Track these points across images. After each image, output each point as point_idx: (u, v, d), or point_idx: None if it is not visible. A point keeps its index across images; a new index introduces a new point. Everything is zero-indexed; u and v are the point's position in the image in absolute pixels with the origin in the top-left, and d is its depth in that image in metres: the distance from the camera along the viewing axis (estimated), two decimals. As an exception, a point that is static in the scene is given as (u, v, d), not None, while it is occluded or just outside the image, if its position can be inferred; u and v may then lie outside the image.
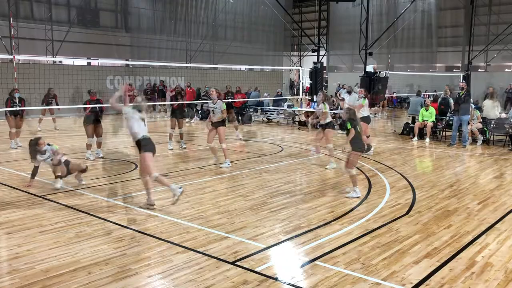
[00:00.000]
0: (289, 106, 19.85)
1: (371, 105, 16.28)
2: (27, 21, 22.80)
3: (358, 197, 7.58)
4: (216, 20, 31.51)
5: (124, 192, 7.81)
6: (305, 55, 38.44)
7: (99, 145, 11.00)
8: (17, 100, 12.39)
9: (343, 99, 17.91)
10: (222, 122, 9.99)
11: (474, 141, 14.13)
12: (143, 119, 6.83)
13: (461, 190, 8.29)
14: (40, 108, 16.05)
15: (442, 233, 5.94)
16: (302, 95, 26.58)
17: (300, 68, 27.23)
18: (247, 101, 20.39)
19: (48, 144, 8.14)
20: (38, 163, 8.04)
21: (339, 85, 18.00)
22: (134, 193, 7.76)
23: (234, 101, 16.76)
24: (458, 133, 13.42)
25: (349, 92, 16.68)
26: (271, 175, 9.43)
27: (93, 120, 10.76)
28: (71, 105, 19.17)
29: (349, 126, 7.63)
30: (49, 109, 16.24)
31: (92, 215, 6.51)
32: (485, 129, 13.87)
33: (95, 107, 10.85)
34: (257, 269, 4.74)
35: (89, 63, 25.51)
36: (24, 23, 22.42)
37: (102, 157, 10.92)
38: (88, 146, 10.81)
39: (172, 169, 9.85)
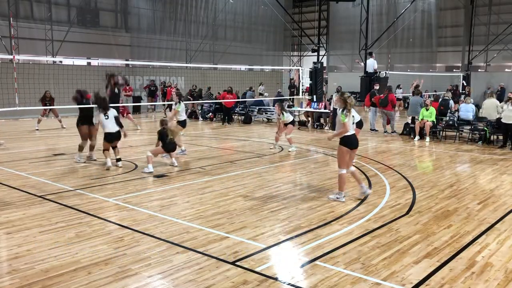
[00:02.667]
0: (289, 106, 19.86)
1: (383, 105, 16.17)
2: (27, 21, 22.81)
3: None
4: (216, 20, 31.51)
5: (124, 192, 7.81)
6: (305, 55, 38.45)
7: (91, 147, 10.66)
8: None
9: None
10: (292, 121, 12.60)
11: (473, 140, 14.15)
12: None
13: (461, 190, 8.29)
14: (40, 108, 16.23)
15: (442, 233, 5.94)
16: (302, 95, 26.59)
17: (300, 68, 27.21)
18: (239, 101, 20.47)
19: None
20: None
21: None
22: (134, 193, 7.76)
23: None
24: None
25: (338, 92, 16.71)
26: (271, 175, 9.43)
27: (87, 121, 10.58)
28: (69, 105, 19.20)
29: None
30: (52, 111, 16.75)
31: (92, 215, 6.51)
32: (485, 129, 13.87)
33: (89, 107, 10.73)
34: (257, 269, 4.74)
35: (89, 63, 25.51)
36: (24, 23, 22.43)
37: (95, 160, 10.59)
38: (81, 148, 10.48)
39: (172, 168, 9.85)
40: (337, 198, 7.39)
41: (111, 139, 9.87)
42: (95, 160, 10.55)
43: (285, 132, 12.50)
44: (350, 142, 7.24)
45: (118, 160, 9.89)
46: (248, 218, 6.46)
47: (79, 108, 10.71)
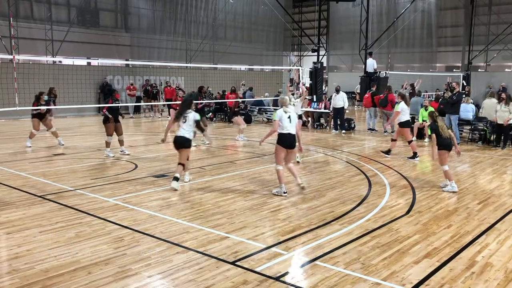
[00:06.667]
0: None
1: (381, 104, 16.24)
2: (27, 21, 22.78)
3: (454, 192, 8.02)
4: (216, 20, 31.49)
5: (124, 192, 7.81)
6: (305, 55, 38.42)
7: (121, 142, 11.48)
8: (44, 102, 12.89)
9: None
10: (300, 116, 12.47)
11: (473, 140, 14.15)
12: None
13: (461, 190, 8.29)
14: (40, 108, 16.17)
15: (442, 233, 5.94)
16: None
17: (300, 68, 27.20)
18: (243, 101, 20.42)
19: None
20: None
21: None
22: (134, 193, 7.76)
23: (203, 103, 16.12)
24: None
25: (337, 91, 16.62)
26: (271, 175, 9.42)
27: (114, 118, 11.21)
28: (70, 105, 19.20)
29: (429, 131, 8.57)
30: (46, 123, 16.37)
31: (92, 215, 6.51)
32: (485, 129, 13.87)
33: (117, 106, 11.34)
34: (257, 269, 4.74)
35: (89, 63, 25.49)
36: (24, 23, 22.40)
37: (128, 154, 11.40)
38: (107, 144, 11.26)
39: (172, 168, 9.84)
40: (277, 192, 7.74)
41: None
42: (128, 154, 11.44)
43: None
44: (283, 141, 7.62)
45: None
46: (248, 218, 6.46)
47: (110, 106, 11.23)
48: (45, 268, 4.72)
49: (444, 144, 8.09)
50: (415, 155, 11.30)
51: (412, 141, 11.60)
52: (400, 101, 11.59)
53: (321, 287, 4.38)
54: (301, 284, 4.46)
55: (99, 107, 21.61)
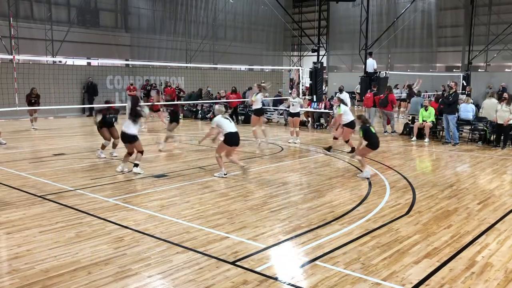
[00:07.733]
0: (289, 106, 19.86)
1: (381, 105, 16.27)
2: (27, 21, 22.77)
3: (367, 177, 9.00)
4: (216, 20, 31.49)
5: (124, 192, 7.81)
6: (305, 55, 38.43)
7: (114, 145, 11.23)
8: None
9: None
10: (298, 114, 14.17)
11: (473, 140, 14.15)
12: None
13: (461, 190, 8.29)
14: (27, 108, 16.20)
15: (442, 233, 5.94)
16: (302, 95, 26.51)
17: (300, 68, 27.18)
18: (244, 101, 20.42)
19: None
20: None
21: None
22: (134, 193, 7.76)
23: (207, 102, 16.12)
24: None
25: (341, 91, 16.81)
26: (271, 175, 9.43)
27: (109, 123, 11.01)
28: (65, 106, 19.21)
29: (361, 133, 9.19)
30: (32, 109, 16.55)
31: (92, 215, 6.51)
32: (486, 129, 13.87)
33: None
34: (257, 269, 4.74)
35: (89, 63, 25.49)
36: (24, 23, 22.41)
37: (116, 156, 11.15)
38: (103, 146, 11.08)
39: (172, 168, 9.85)
40: (218, 175, 9.07)
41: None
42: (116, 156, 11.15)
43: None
44: (231, 141, 8.88)
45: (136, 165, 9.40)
46: (248, 218, 6.46)
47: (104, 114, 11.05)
48: (45, 268, 4.73)
49: (372, 143, 9.22)
50: (353, 150, 11.80)
51: (348, 140, 12.08)
52: (339, 104, 12.04)
53: (321, 287, 4.38)
54: (301, 284, 4.46)
55: (89, 108, 21.60)
